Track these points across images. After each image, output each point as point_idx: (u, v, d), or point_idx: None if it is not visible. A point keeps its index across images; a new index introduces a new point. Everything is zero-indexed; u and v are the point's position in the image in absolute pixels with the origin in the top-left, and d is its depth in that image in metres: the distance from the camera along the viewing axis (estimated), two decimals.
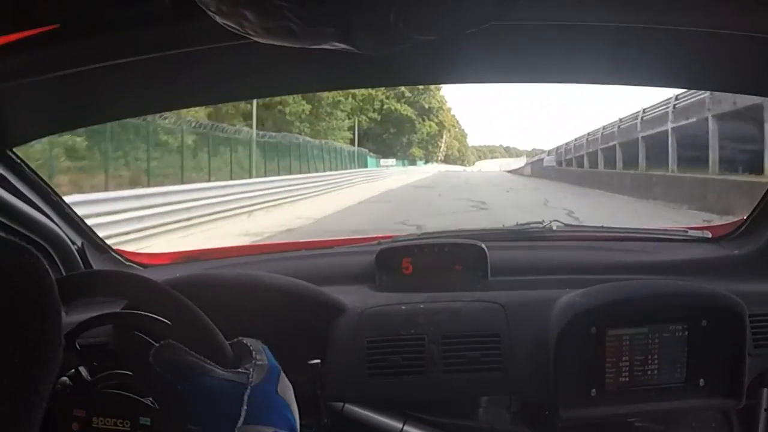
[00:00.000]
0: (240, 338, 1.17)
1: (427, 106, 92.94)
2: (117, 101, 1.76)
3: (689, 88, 2.27)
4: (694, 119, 24.86)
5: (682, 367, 1.98)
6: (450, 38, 1.15)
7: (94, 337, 1.34)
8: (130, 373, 1.23)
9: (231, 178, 21.77)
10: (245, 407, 1.03)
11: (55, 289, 0.85)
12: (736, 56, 1.48)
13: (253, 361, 1.10)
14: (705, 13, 1.26)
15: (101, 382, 1.21)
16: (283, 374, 1.16)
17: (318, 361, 1.82)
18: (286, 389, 1.15)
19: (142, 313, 1.25)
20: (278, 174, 25.59)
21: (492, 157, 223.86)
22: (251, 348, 1.14)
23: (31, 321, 0.80)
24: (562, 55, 1.56)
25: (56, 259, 2.02)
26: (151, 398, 1.21)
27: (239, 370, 1.08)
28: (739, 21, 1.27)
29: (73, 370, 1.21)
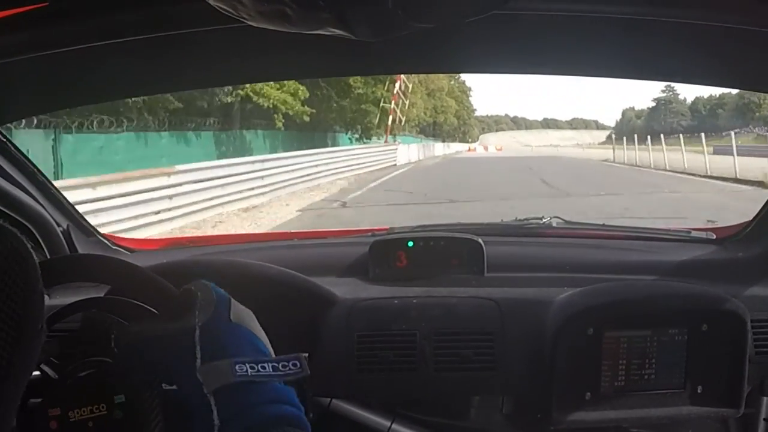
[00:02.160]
0: (185, 286, 1.16)
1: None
2: (106, 82, 1.72)
3: (701, 84, 2.25)
4: None
5: (680, 372, 1.94)
6: (449, 27, 1.13)
7: (70, 322, 1.32)
8: (109, 360, 1.21)
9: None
10: (198, 348, 1.03)
11: (38, 273, 0.83)
12: (749, 52, 1.46)
13: (198, 302, 1.10)
14: (717, 7, 1.24)
15: (70, 376, 1.19)
16: (235, 302, 1.16)
17: (305, 354, 1.79)
18: (244, 315, 1.16)
19: (124, 299, 1.23)
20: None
21: (497, 130, 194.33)
22: (195, 290, 1.13)
23: (12, 305, 0.78)
24: (564, 46, 1.51)
25: (41, 241, 1.98)
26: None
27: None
28: (753, 16, 1.25)
29: (38, 373, 1.19)
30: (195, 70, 1.71)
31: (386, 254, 2.22)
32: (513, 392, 2.01)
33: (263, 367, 1.08)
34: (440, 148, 63.35)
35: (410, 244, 2.23)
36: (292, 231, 2.67)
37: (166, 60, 1.55)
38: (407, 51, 1.53)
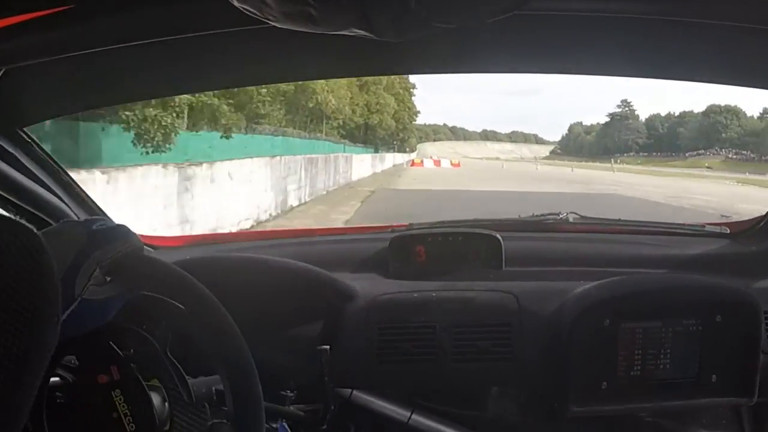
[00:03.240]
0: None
1: None
2: (131, 83, 1.75)
3: (715, 82, 2.23)
4: None
5: (694, 362, 1.96)
6: (471, 27, 1.13)
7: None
8: (157, 371, 1.24)
9: None
10: None
11: (52, 267, 0.85)
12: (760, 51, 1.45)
13: None
14: (732, 7, 1.23)
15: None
16: None
17: (327, 347, 1.81)
18: None
19: (158, 296, 1.25)
20: None
21: (435, 139, 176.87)
22: None
23: (27, 297, 0.80)
24: (584, 46, 1.53)
25: None
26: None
27: None
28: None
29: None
30: (219, 71, 1.73)
31: (406, 250, 2.24)
32: (530, 383, 2.04)
33: None
34: (363, 165, 37.41)
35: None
36: (313, 228, 2.68)
37: (191, 61, 1.58)
38: (428, 51, 1.54)
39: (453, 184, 30.45)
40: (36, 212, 1.86)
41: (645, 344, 1.94)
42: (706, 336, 1.95)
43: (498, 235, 2.23)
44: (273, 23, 0.94)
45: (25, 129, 1.83)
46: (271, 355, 1.92)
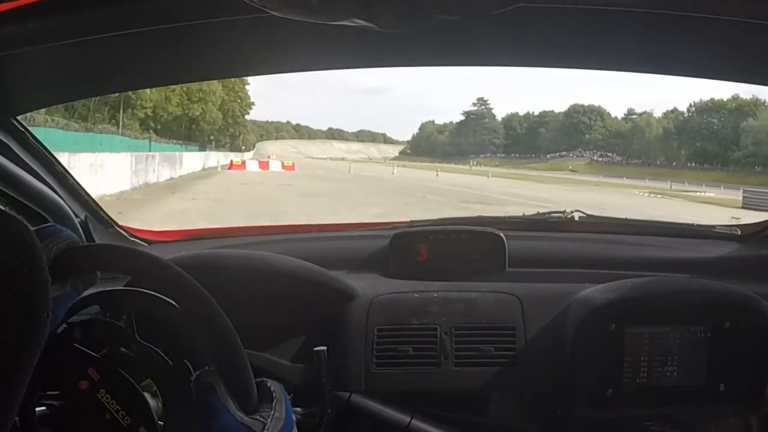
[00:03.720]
0: (265, 380, 1.19)
1: None
2: (125, 72, 1.72)
3: (718, 79, 2.23)
4: None
5: (702, 369, 1.91)
6: (474, 19, 1.11)
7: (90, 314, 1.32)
8: (133, 355, 1.21)
9: None
10: None
11: (43, 261, 0.83)
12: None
13: (273, 412, 1.12)
14: (738, 3, 1.21)
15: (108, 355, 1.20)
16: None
17: (324, 348, 1.78)
18: None
19: (152, 293, 1.22)
20: None
21: (278, 138, 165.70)
22: (274, 395, 1.17)
23: (17, 292, 0.78)
24: (589, 40, 1.50)
25: None
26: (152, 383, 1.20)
27: (257, 416, 1.11)
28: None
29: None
30: (215, 61, 1.71)
31: (407, 248, 2.21)
32: (533, 388, 1.99)
33: None
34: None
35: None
36: (311, 224, 2.65)
37: (187, 50, 1.55)
38: (430, 43, 1.52)
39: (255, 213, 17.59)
40: (29, 204, 1.84)
41: (652, 350, 1.90)
42: (714, 343, 1.90)
43: (501, 234, 2.19)
44: (272, 12, 0.91)
45: (18, 118, 1.80)
46: (268, 354, 1.90)
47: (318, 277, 2.01)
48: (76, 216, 2.06)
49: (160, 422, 1.16)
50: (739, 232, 2.35)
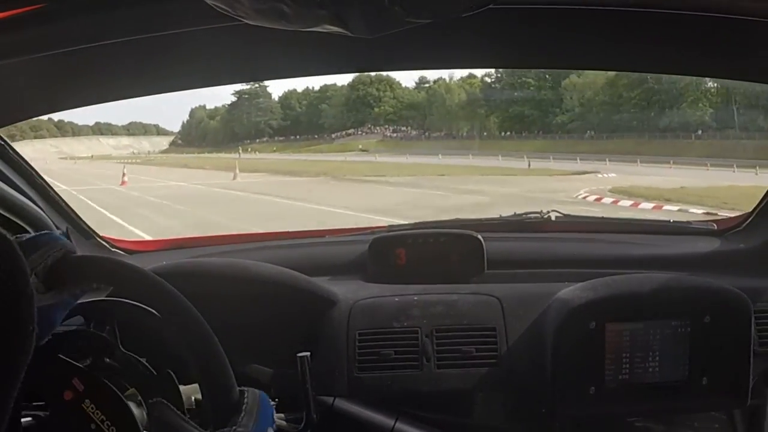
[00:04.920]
0: (244, 389, 1.18)
1: None
2: (104, 83, 1.72)
3: (706, 75, 2.25)
4: None
5: (684, 364, 1.92)
6: (446, 22, 1.13)
7: (74, 325, 1.32)
8: (117, 365, 1.22)
9: None
10: None
11: (27, 275, 0.82)
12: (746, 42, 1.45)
13: (235, 427, 1.11)
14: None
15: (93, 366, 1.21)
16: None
17: (307, 353, 1.79)
18: None
19: (134, 303, 1.23)
20: None
21: (36, 137, 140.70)
22: (244, 408, 1.15)
23: (0, 306, 0.77)
24: (559, 39, 1.50)
25: None
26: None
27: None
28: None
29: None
30: (192, 70, 1.70)
31: (386, 252, 2.22)
32: (516, 388, 1.99)
33: None
34: None
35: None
36: (291, 231, 2.66)
37: (164, 59, 1.54)
38: (404, 48, 1.52)
39: None
40: (10, 216, 1.83)
41: (633, 347, 1.91)
42: (695, 337, 1.91)
43: (479, 236, 2.20)
44: (245, 21, 0.93)
45: None
46: (251, 362, 1.91)
47: (299, 284, 2.01)
48: (57, 227, 2.05)
49: (145, 431, 1.18)
50: (715, 227, 2.37)
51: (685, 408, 2.01)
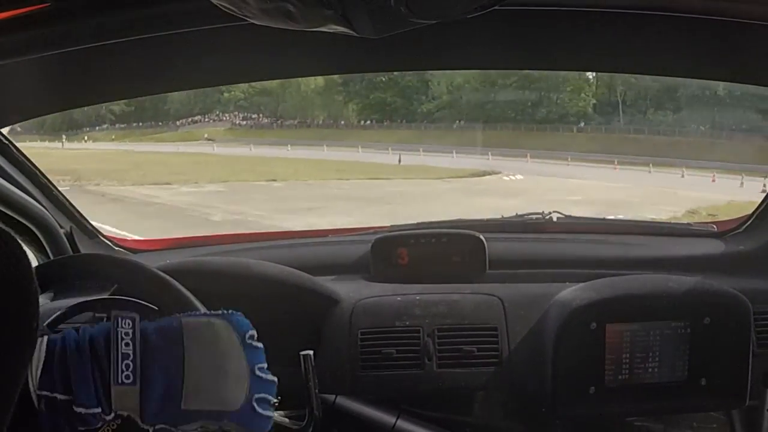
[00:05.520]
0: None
1: None
2: (108, 83, 1.72)
3: (707, 78, 2.24)
4: None
5: (683, 365, 1.93)
6: (452, 22, 1.13)
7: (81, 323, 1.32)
8: None
9: None
10: None
11: (32, 273, 0.82)
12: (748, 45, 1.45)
13: None
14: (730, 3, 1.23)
15: None
16: None
17: (310, 352, 1.80)
18: None
19: (131, 299, 1.24)
20: None
21: None
22: None
23: (5, 304, 0.78)
24: (564, 41, 1.51)
25: (44, 243, 1.98)
26: None
27: None
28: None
29: None
30: (197, 69, 1.71)
31: (388, 252, 2.23)
32: (517, 387, 2.01)
33: None
34: None
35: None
36: (294, 230, 2.66)
37: (169, 59, 1.55)
38: (409, 48, 1.52)
39: None
40: (14, 215, 1.84)
41: (633, 347, 1.92)
42: (695, 338, 1.92)
43: (481, 236, 2.21)
44: (251, 20, 0.93)
45: (1, 131, 1.81)
46: None
47: (302, 283, 2.03)
48: (62, 227, 2.06)
49: None
50: (716, 229, 2.38)
51: (684, 408, 2.02)
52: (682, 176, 19.35)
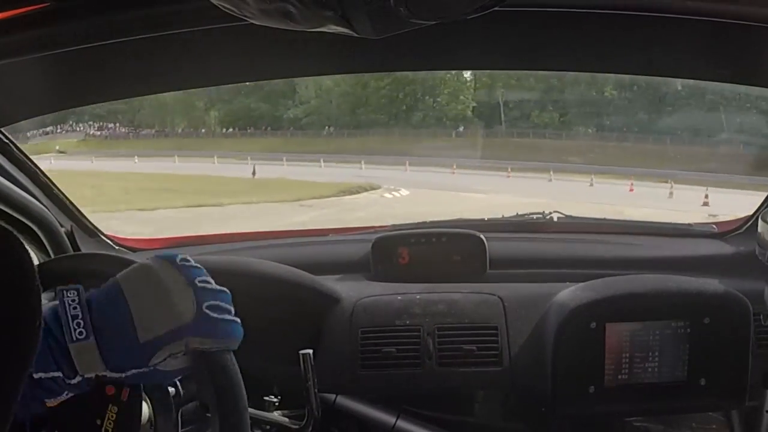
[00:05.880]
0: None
1: None
2: (109, 82, 1.72)
3: (709, 80, 2.24)
4: None
5: (683, 365, 1.93)
6: (452, 23, 1.13)
7: None
8: None
9: None
10: None
11: (34, 271, 0.82)
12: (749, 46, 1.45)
13: None
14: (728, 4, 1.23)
15: None
16: None
17: (309, 351, 1.80)
18: None
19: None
20: None
21: None
22: None
23: (7, 303, 0.78)
24: (564, 42, 1.51)
25: (45, 242, 1.98)
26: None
27: None
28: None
29: None
30: (197, 69, 1.71)
31: (388, 251, 2.23)
32: (517, 387, 2.01)
33: None
34: None
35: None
36: (294, 229, 2.66)
37: (169, 59, 1.55)
38: (409, 49, 1.53)
39: None
40: (15, 214, 1.84)
41: (632, 347, 1.92)
42: (694, 338, 1.92)
43: (482, 236, 2.21)
44: (252, 21, 0.93)
45: (2, 130, 1.81)
46: (254, 359, 1.91)
47: (302, 281, 2.03)
48: (62, 226, 2.06)
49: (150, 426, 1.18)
50: (716, 229, 2.39)
51: (683, 408, 2.02)
52: (591, 185, 17.06)
